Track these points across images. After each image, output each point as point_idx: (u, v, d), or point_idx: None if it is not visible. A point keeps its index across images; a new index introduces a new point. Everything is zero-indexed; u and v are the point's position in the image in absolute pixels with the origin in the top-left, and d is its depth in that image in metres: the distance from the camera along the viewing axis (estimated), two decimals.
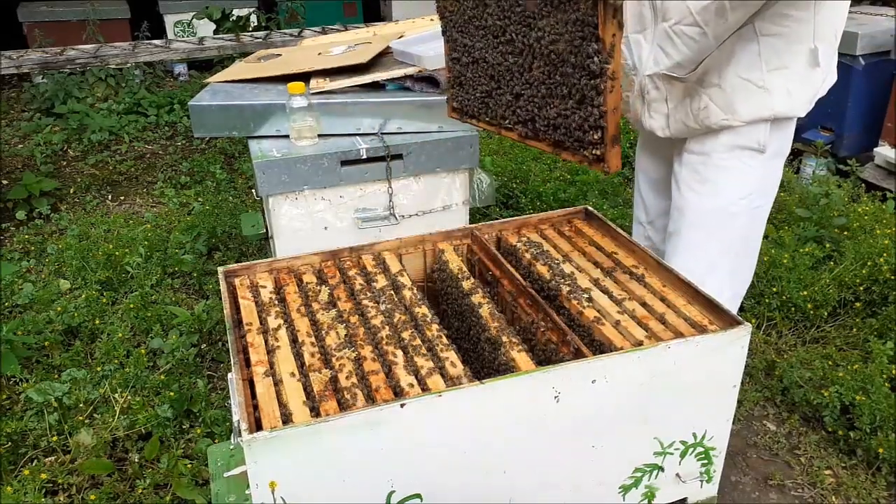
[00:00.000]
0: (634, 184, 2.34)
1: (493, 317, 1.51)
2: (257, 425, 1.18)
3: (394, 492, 1.24)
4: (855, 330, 2.77)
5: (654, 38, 1.82)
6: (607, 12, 1.25)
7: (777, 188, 1.99)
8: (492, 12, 1.53)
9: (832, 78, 1.86)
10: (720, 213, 1.90)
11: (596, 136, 1.36)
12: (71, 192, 4.48)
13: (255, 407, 1.24)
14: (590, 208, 1.93)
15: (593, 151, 1.39)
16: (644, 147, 2.24)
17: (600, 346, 1.43)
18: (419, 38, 2.55)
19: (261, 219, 2.73)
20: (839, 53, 1.87)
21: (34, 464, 2.22)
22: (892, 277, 2.89)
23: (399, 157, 2.25)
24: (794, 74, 1.78)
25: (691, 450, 1.46)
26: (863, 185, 3.85)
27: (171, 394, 2.42)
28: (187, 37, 6.35)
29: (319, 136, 2.25)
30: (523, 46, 1.47)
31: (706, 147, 1.88)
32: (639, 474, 1.45)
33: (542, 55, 1.43)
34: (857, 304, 2.87)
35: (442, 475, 1.26)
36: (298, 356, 1.39)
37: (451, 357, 1.36)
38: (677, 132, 1.92)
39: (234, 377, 1.29)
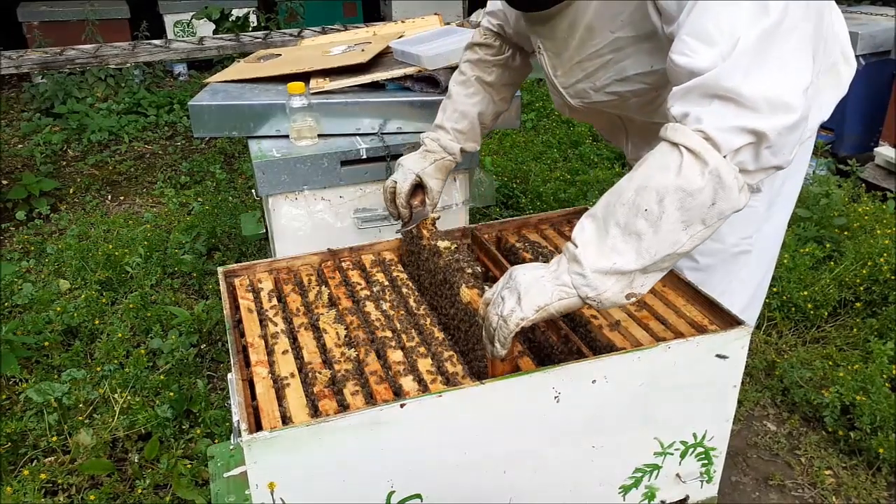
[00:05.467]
0: None
1: None
2: (257, 425, 1.18)
3: (394, 492, 1.23)
4: (855, 330, 2.77)
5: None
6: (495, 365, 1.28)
7: (791, 210, 1.83)
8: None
9: (820, 115, 1.63)
10: (722, 255, 1.78)
11: None
12: (70, 192, 4.48)
13: (255, 407, 1.24)
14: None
15: None
16: None
17: (600, 346, 1.43)
18: (419, 37, 2.55)
19: (260, 219, 2.73)
20: None
21: (34, 464, 2.22)
22: (893, 277, 2.89)
23: (399, 157, 2.25)
24: None
25: (691, 450, 1.46)
26: (863, 185, 3.85)
27: (171, 394, 2.41)
28: (187, 37, 6.34)
29: (319, 136, 2.25)
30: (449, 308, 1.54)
31: None
32: (639, 474, 1.45)
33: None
34: (858, 304, 2.87)
35: (442, 475, 1.26)
36: (298, 356, 1.39)
37: (451, 357, 1.36)
38: None
39: (233, 377, 1.29)
